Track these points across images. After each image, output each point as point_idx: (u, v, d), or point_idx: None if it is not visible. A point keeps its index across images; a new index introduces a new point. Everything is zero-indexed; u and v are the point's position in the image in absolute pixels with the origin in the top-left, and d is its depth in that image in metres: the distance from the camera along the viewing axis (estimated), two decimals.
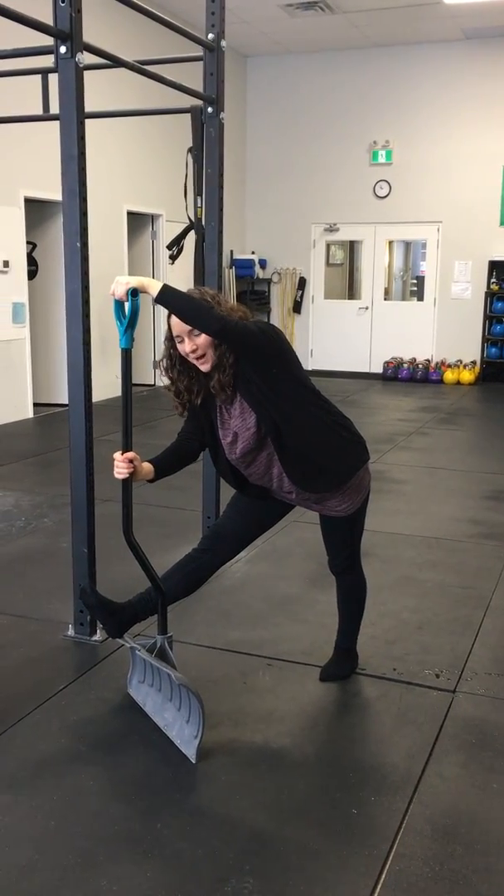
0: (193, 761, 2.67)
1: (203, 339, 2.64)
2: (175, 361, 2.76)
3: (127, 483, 2.87)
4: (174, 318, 2.68)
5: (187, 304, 2.64)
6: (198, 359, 2.69)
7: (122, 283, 2.70)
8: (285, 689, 3.17)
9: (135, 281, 2.68)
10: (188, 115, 4.09)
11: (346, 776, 2.64)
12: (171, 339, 2.74)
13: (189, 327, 2.63)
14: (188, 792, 2.56)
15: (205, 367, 2.70)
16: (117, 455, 2.83)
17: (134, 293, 2.70)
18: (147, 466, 2.88)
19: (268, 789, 2.56)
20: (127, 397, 2.86)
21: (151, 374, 11.11)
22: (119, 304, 2.74)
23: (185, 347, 2.68)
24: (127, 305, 2.72)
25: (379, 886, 2.16)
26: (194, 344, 2.66)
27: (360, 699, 3.12)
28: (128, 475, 2.82)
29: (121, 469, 2.82)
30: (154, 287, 2.64)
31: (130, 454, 2.83)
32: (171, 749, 2.75)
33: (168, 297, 2.63)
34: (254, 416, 2.73)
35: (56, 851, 2.28)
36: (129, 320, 2.73)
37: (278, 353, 2.72)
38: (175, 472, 2.99)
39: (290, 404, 2.74)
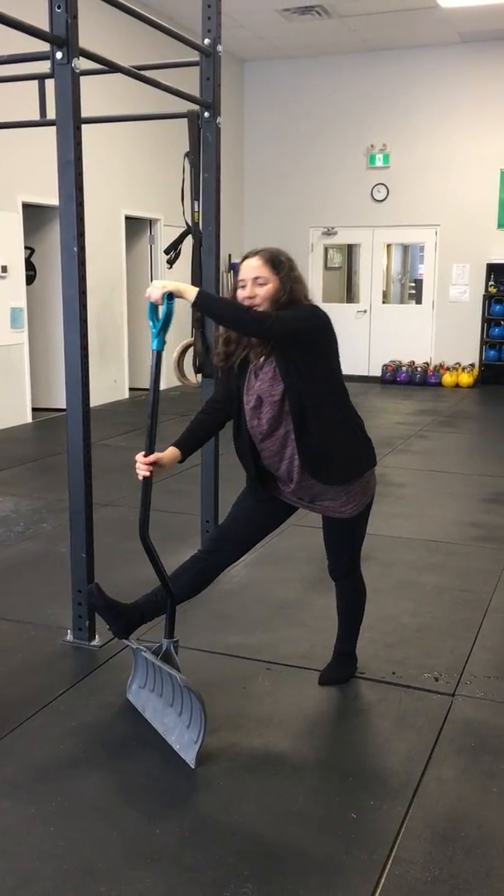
0: (193, 766, 2.66)
1: (265, 291, 2.74)
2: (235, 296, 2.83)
3: (147, 483, 2.87)
4: (244, 262, 2.78)
5: (225, 309, 2.77)
6: (253, 306, 2.76)
7: (157, 287, 2.76)
8: (284, 693, 3.17)
9: (171, 286, 2.73)
10: (185, 120, 4.09)
11: (345, 780, 2.64)
12: (234, 288, 2.83)
13: (256, 275, 2.74)
14: (187, 797, 2.56)
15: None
16: (139, 457, 2.83)
17: (169, 297, 2.75)
18: (171, 454, 2.88)
19: (267, 794, 2.56)
20: (155, 399, 2.89)
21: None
22: (153, 307, 2.78)
23: (245, 293, 2.76)
24: (161, 308, 2.77)
25: (378, 890, 2.16)
26: (254, 292, 2.75)
27: (359, 703, 3.12)
28: (149, 475, 2.83)
29: (142, 470, 2.83)
30: (190, 292, 2.71)
31: (153, 457, 2.83)
32: (171, 754, 2.75)
33: (205, 301, 2.72)
34: (281, 386, 2.78)
35: (55, 857, 2.27)
36: (162, 323, 2.79)
37: (319, 341, 2.80)
38: (200, 447, 3.06)
39: (320, 389, 2.79)
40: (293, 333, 2.72)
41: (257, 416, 2.84)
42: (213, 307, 2.78)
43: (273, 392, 2.79)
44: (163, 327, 2.80)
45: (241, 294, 2.78)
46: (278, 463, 2.89)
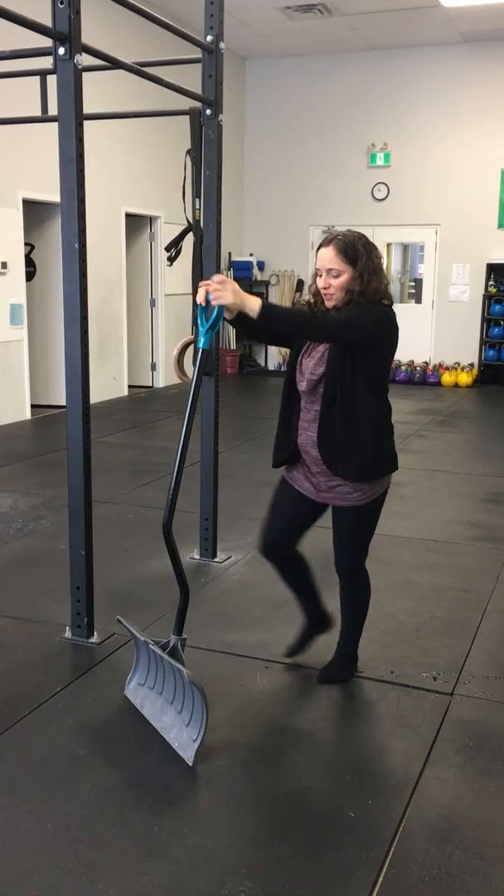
0: (190, 764, 2.66)
1: (339, 282, 2.77)
2: (317, 289, 2.88)
3: (178, 478, 2.85)
4: (320, 251, 2.80)
5: (289, 322, 2.79)
6: (327, 295, 2.81)
7: (203, 291, 2.77)
8: (282, 691, 3.17)
9: (232, 298, 2.70)
10: (187, 118, 4.09)
11: (343, 779, 2.64)
12: (315, 273, 2.88)
13: (330, 266, 2.76)
14: (185, 795, 2.56)
15: (329, 303, 2.83)
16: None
17: None
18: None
19: (265, 792, 2.56)
20: (196, 395, 2.91)
21: (150, 376, 11.11)
22: (203, 309, 2.81)
23: (321, 283, 2.81)
24: (215, 309, 2.79)
25: (376, 890, 2.16)
26: (328, 283, 2.79)
27: (357, 702, 3.12)
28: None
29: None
30: (254, 306, 2.69)
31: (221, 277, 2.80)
32: (169, 752, 2.74)
33: (269, 314, 2.72)
34: (322, 369, 2.82)
35: (53, 854, 2.27)
36: (211, 324, 2.83)
37: (376, 346, 2.81)
38: (252, 327, 2.89)
39: (358, 385, 2.79)
40: (356, 341, 2.75)
41: (301, 382, 2.92)
42: (277, 320, 2.77)
43: (315, 371, 2.85)
44: (211, 327, 2.84)
45: (319, 283, 2.82)
46: (307, 438, 2.93)
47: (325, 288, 2.80)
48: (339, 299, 2.79)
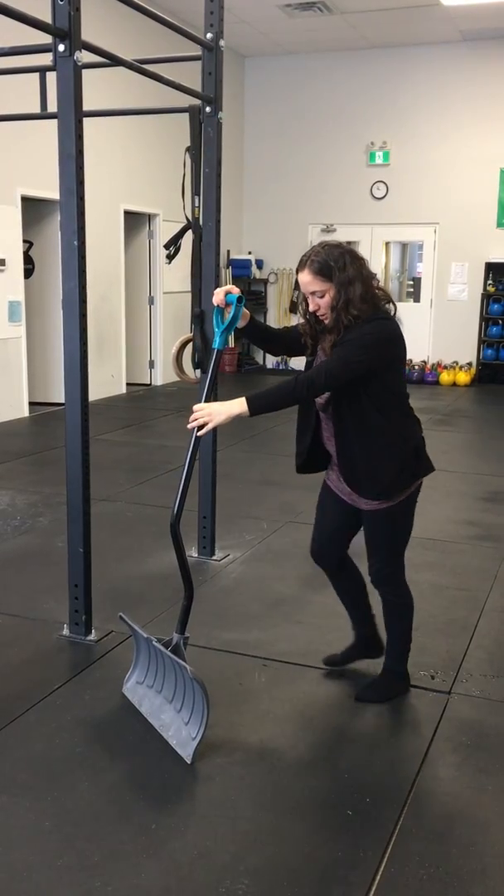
0: (189, 762, 2.66)
1: (325, 302, 2.73)
2: (307, 308, 2.84)
3: (188, 473, 2.86)
4: (299, 277, 2.77)
5: (275, 400, 2.75)
6: (320, 316, 2.80)
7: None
8: (281, 690, 3.17)
9: (222, 418, 2.71)
10: (186, 115, 4.08)
11: (341, 777, 2.64)
12: (304, 299, 2.84)
13: (312, 289, 2.74)
14: (183, 793, 2.56)
15: (326, 321, 2.79)
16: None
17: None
18: (245, 312, 2.89)
19: (263, 790, 2.56)
20: (210, 394, 2.92)
21: (148, 374, 11.10)
22: (219, 311, 2.86)
23: (311, 306, 2.79)
24: (231, 311, 2.83)
25: (374, 888, 2.16)
26: (316, 304, 2.76)
27: (355, 700, 3.11)
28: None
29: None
30: (241, 407, 2.70)
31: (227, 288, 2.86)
32: (167, 750, 2.74)
33: (259, 404, 2.71)
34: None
35: (51, 852, 2.27)
36: (227, 325, 2.85)
37: (379, 367, 2.74)
38: (261, 338, 3.04)
39: (366, 401, 2.76)
40: (351, 377, 2.69)
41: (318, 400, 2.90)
42: (269, 406, 2.74)
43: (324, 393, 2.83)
44: (227, 328, 2.86)
45: (310, 306, 2.79)
46: (329, 441, 2.92)
47: (315, 310, 2.77)
48: (329, 318, 2.75)
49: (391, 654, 3.13)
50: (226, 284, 10.29)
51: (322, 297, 2.72)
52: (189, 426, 2.77)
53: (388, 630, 3.11)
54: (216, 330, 2.88)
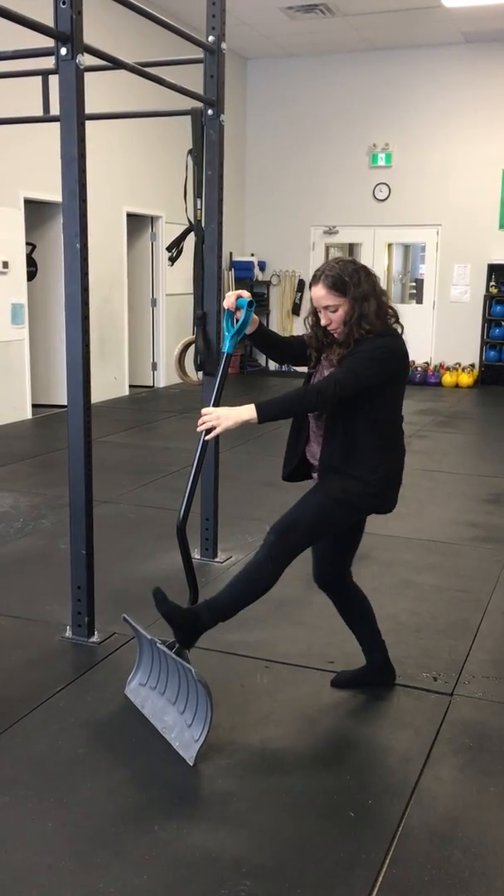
0: (191, 764, 2.67)
1: (338, 316, 2.75)
2: (317, 321, 2.85)
3: (196, 476, 2.87)
4: (312, 292, 2.78)
5: (285, 408, 2.76)
6: (331, 330, 2.81)
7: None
8: (283, 691, 3.17)
9: (231, 423, 2.70)
10: (188, 118, 4.09)
11: (343, 779, 2.64)
12: (313, 311, 2.85)
13: (325, 304, 2.75)
14: (185, 794, 2.56)
15: (337, 335, 2.80)
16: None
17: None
18: (255, 318, 2.92)
19: (265, 792, 2.56)
20: (219, 398, 2.93)
21: (151, 376, 11.11)
22: (230, 315, 2.87)
23: (322, 320, 2.80)
24: (242, 314, 2.84)
25: (376, 890, 2.16)
26: (328, 319, 2.78)
27: (357, 702, 3.12)
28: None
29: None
30: (250, 414, 2.68)
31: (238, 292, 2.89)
32: (169, 751, 2.75)
33: (268, 412, 2.70)
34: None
35: (53, 853, 2.27)
36: (237, 328, 2.86)
37: (383, 381, 2.75)
38: (268, 344, 3.05)
39: (362, 409, 2.75)
40: (355, 390, 2.69)
41: None
42: (279, 414, 2.75)
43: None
44: (237, 332, 2.87)
45: (322, 320, 2.80)
46: (317, 440, 2.92)
47: (327, 324, 2.78)
48: (341, 332, 2.77)
49: (221, 594, 2.90)
50: (228, 287, 10.29)
51: (335, 311, 2.74)
52: (198, 429, 2.77)
53: (238, 575, 2.91)
54: (226, 334, 2.89)
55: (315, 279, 2.77)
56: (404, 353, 2.81)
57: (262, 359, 13.10)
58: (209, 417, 2.73)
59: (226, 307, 2.86)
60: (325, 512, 2.84)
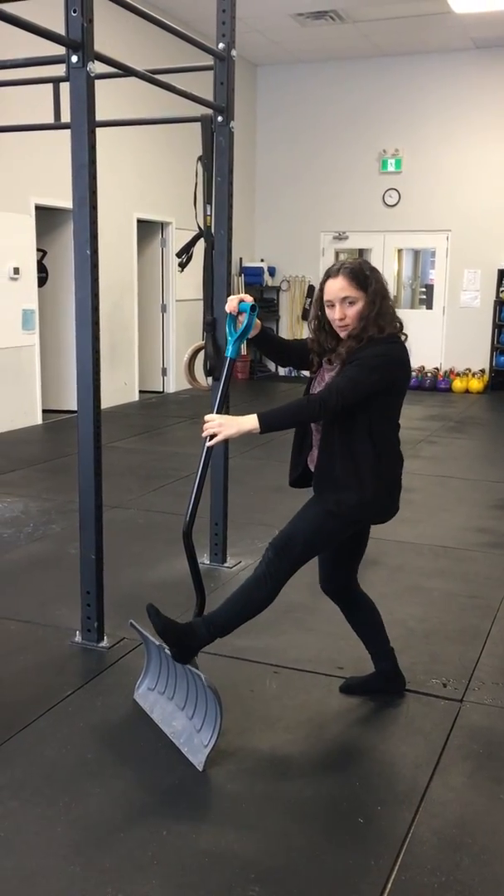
0: (200, 769, 2.67)
1: (355, 310, 2.72)
2: (323, 324, 2.82)
3: (201, 481, 2.86)
4: (328, 284, 2.75)
5: (287, 417, 2.74)
6: (342, 326, 2.76)
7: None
8: (292, 697, 3.17)
9: (232, 431, 2.68)
10: (198, 124, 4.11)
11: (352, 785, 2.63)
12: (320, 300, 2.80)
13: (344, 295, 2.71)
14: (194, 800, 2.56)
15: (343, 333, 2.77)
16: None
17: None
18: (257, 322, 2.88)
19: (274, 797, 2.56)
20: (223, 404, 2.92)
21: (160, 381, 11.14)
22: (232, 319, 2.85)
23: (335, 314, 2.75)
24: (244, 319, 2.82)
25: None
26: (344, 313, 2.74)
27: (366, 708, 3.11)
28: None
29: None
30: (252, 424, 2.67)
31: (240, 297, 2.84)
32: (178, 757, 2.75)
33: (270, 422, 2.69)
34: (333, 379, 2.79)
35: (62, 858, 2.28)
36: (240, 333, 2.84)
37: (383, 387, 2.73)
38: (272, 348, 3.03)
39: (359, 415, 2.73)
40: (358, 395, 2.67)
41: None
42: (281, 423, 2.73)
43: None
44: (240, 337, 2.85)
45: (331, 314, 2.76)
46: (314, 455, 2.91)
47: (340, 319, 2.74)
48: (356, 328, 2.73)
49: (220, 609, 2.89)
50: (238, 292, 10.30)
51: (353, 304, 2.72)
52: (202, 435, 2.78)
53: (237, 590, 2.89)
54: (229, 338, 2.87)
55: (333, 272, 2.75)
56: (405, 360, 2.79)
57: (271, 364, 13.11)
58: (212, 424, 2.72)
59: (228, 311, 2.85)
60: (322, 526, 2.83)
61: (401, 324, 2.82)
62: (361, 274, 2.73)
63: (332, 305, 2.75)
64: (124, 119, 5.25)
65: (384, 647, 3.16)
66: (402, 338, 2.82)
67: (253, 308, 2.82)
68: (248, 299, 2.84)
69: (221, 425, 2.70)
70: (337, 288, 2.73)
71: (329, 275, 2.77)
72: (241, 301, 2.84)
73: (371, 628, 3.15)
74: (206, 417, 2.76)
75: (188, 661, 2.83)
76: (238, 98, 4.34)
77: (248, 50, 11.27)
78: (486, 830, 2.42)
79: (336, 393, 2.65)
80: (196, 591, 2.97)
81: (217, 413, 2.83)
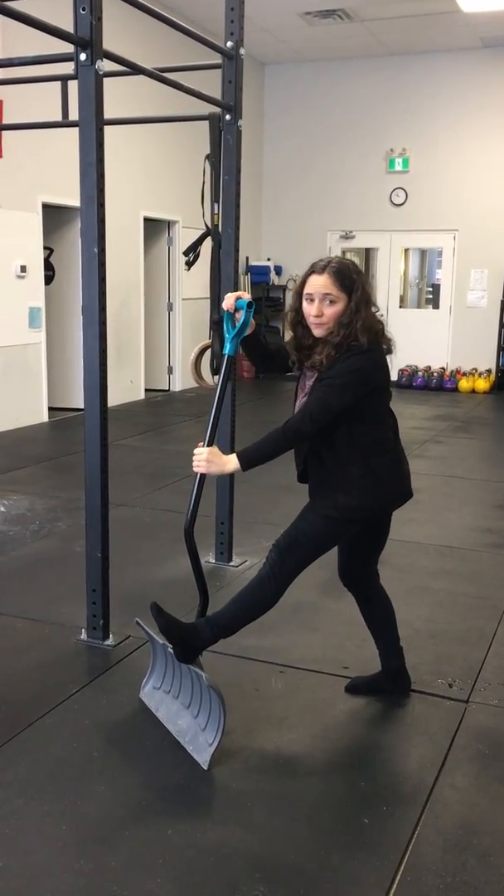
0: (205, 768, 2.66)
1: (334, 311, 2.67)
2: (300, 317, 2.76)
3: (200, 481, 2.85)
4: (311, 278, 2.69)
5: (266, 452, 2.71)
6: (317, 324, 2.70)
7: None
8: (297, 696, 3.17)
9: (214, 469, 2.71)
10: (204, 123, 4.11)
11: (357, 785, 2.63)
12: (300, 293, 2.74)
13: (326, 292, 2.65)
14: (199, 798, 2.56)
15: (317, 332, 2.72)
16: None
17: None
18: (252, 322, 2.85)
19: (279, 797, 2.56)
20: (221, 400, 2.88)
21: (166, 379, 11.14)
22: (229, 316, 2.83)
23: (312, 310, 2.69)
24: (242, 315, 2.80)
25: None
26: (321, 310, 2.68)
27: (372, 708, 3.11)
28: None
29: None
30: (234, 465, 2.68)
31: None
32: (183, 755, 2.75)
33: (250, 458, 2.69)
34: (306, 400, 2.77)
35: (68, 855, 2.28)
36: (238, 330, 2.82)
37: (357, 400, 2.69)
38: (259, 353, 2.96)
39: (342, 429, 2.72)
40: (340, 412, 2.65)
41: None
42: (260, 459, 2.72)
43: (302, 403, 2.80)
44: (237, 334, 2.83)
45: (308, 309, 2.71)
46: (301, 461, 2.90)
47: (317, 315, 2.68)
48: (331, 329, 2.68)
49: (224, 610, 2.88)
50: (244, 291, 10.25)
51: (332, 303, 2.67)
52: (230, 298, 2.78)
53: (241, 591, 2.89)
54: (226, 336, 2.84)
55: (319, 268, 2.69)
56: (379, 365, 2.72)
57: None
58: (199, 459, 2.72)
59: (225, 309, 2.82)
60: (323, 529, 2.83)
61: (382, 328, 2.75)
62: (348, 276, 2.68)
63: (312, 300, 2.70)
64: (132, 117, 5.26)
65: (394, 646, 3.15)
66: (386, 339, 2.75)
67: (250, 305, 2.79)
68: (246, 296, 2.81)
69: (208, 464, 2.71)
70: (320, 284, 2.68)
71: (314, 269, 2.72)
72: (238, 298, 2.80)
73: (385, 624, 3.14)
74: (196, 451, 2.74)
75: (191, 661, 2.83)
76: (245, 97, 4.34)
77: (256, 49, 11.26)
78: (491, 831, 2.42)
79: (309, 419, 2.64)
80: (199, 590, 2.96)
81: (213, 413, 2.82)
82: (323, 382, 2.67)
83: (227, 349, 2.86)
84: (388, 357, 2.79)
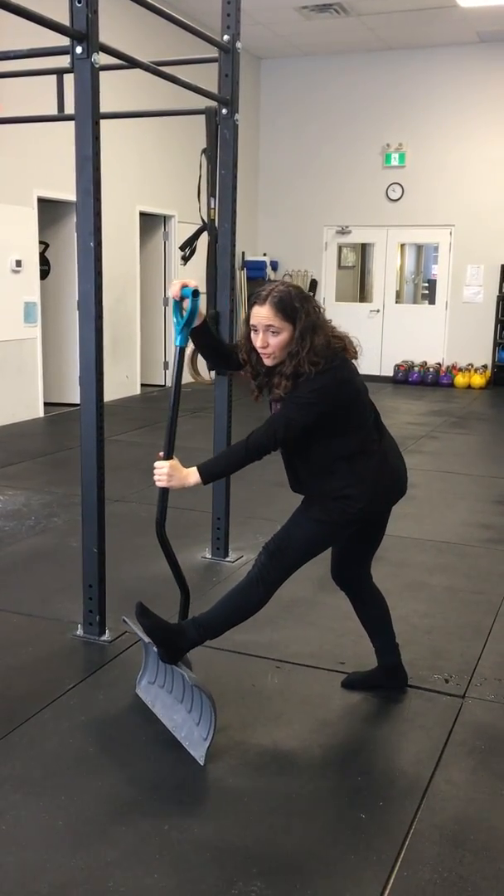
0: (201, 763, 2.66)
1: (278, 341, 2.61)
2: (251, 345, 2.71)
3: (163, 494, 2.85)
4: (254, 309, 2.64)
5: (226, 466, 2.74)
6: (265, 354, 2.67)
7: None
8: (294, 691, 3.17)
9: (175, 484, 2.69)
10: (202, 117, 4.09)
11: (354, 780, 2.63)
12: (247, 330, 2.71)
13: (268, 323, 2.60)
14: (196, 794, 2.56)
15: (268, 362, 2.69)
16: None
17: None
18: (200, 311, 2.80)
19: (276, 792, 2.56)
20: (176, 397, 2.85)
21: (162, 375, 11.12)
22: (177, 304, 2.76)
23: (258, 341, 2.65)
24: (188, 304, 2.73)
25: (387, 892, 2.15)
26: (266, 341, 2.63)
27: (368, 703, 3.11)
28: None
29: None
30: (195, 478, 2.67)
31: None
32: (180, 751, 2.75)
33: (211, 472, 2.68)
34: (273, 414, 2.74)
35: (63, 852, 2.28)
36: (186, 320, 2.75)
37: (323, 415, 2.64)
38: (211, 346, 2.94)
39: (312, 439, 2.70)
40: (304, 429, 2.63)
41: None
42: (221, 473, 2.72)
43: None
44: (186, 323, 2.77)
45: (255, 340, 2.66)
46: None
47: (263, 347, 2.63)
48: (279, 358, 2.63)
49: (211, 611, 2.87)
50: (241, 287, 10.25)
51: (276, 333, 2.60)
52: (175, 285, 2.74)
53: (229, 592, 2.88)
54: (175, 327, 2.77)
55: (260, 298, 2.62)
56: (344, 380, 2.64)
57: None
58: (160, 473, 2.71)
59: (171, 297, 2.74)
60: (313, 533, 2.82)
61: (344, 343, 2.67)
62: (290, 305, 2.59)
63: (256, 331, 2.65)
64: (128, 111, 5.24)
65: (390, 643, 3.15)
66: (351, 351, 2.69)
67: (195, 293, 2.71)
68: (192, 283, 2.73)
69: (169, 478, 2.70)
70: (262, 315, 2.60)
71: (256, 300, 2.63)
72: (184, 286, 2.73)
73: (379, 622, 3.14)
74: (157, 464, 2.73)
75: (176, 662, 2.82)
76: (242, 91, 4.32)
77: (253, 43, 11.22)
78: (488, 826, 2.42)
79: (273, 437, 2.63)
80: (179, 586, 2.97)
81: (171, 413, 2.81)
82: (290, 398, 2.64)
83: (178, 340, 2.79)
84: (361, 359, 2.73)
